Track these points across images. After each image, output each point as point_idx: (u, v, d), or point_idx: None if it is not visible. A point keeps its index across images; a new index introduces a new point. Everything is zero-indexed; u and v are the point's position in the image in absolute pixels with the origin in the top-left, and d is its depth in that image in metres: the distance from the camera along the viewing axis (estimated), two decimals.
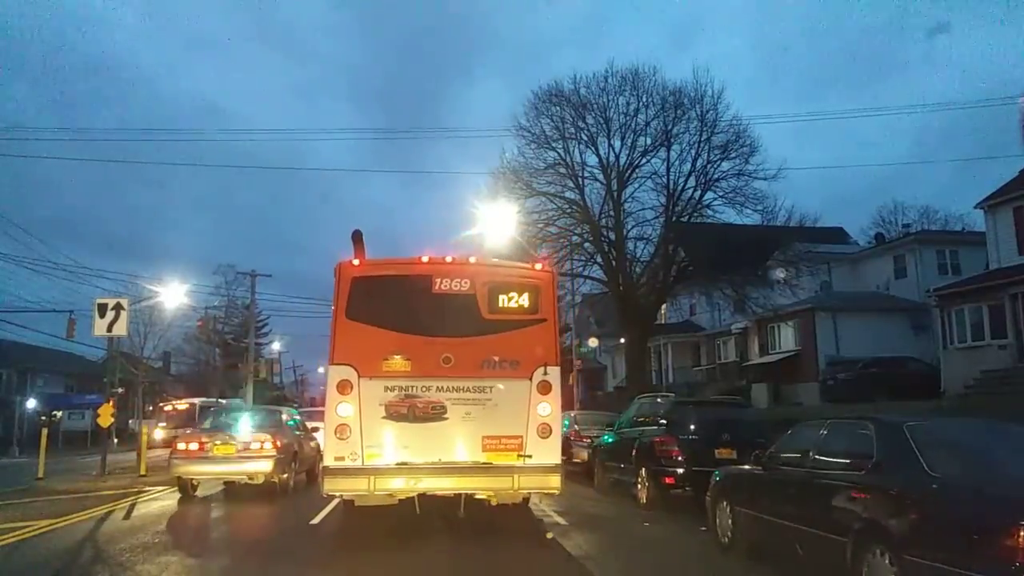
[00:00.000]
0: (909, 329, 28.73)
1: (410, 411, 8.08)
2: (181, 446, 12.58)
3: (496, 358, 8.25)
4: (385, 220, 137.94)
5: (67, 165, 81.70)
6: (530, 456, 8.09)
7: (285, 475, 13.00)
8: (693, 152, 25.64)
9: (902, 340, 27.81)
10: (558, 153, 26.18)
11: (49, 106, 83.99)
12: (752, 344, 33.75)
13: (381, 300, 8.34)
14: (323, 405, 9.09)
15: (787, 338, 31.04)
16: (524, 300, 8.47)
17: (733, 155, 25.31)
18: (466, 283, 8.43)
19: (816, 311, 29.17)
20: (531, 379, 8.24)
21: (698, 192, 25.86)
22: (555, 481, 8.22)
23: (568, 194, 26.59)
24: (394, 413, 8.05)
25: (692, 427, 11.27)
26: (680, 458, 10.87)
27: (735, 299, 27.05)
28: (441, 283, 8.40)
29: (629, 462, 12.24)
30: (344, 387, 8.04)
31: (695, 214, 26.04)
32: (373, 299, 8.31)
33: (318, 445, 14.66)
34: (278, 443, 12.64)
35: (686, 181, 25.96)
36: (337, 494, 8.57)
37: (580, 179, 26.46)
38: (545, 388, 8.26)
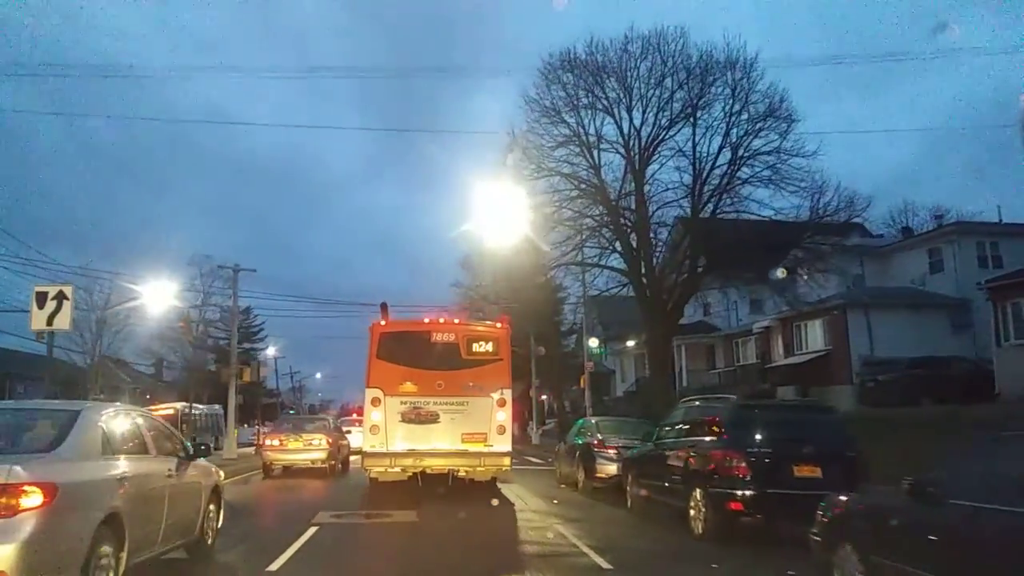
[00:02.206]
0: (948, 326, 26.63)
1: (416, 417, 12.21)
2: (268, 442, 18.69)
3: (471, 384, 12.39)
4: (387, 223, 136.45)
5: (39, 152, 77.01)
6: (491, 445, 12.20)
7: (333, 462, 18.29)
8: (724, 125, 23.02)
9: (941, 338, 25.59)
10: (571, 127, 23.64)
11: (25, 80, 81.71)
12: (775, 344, 31.47)
13: (398, 347, 12.62)
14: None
15: (815, 337, 28.73)
16: (489, 347, 12.80)
17: (769, 128, 22.67)
18: (452, 336, 12.77)
19: (848, 307, 26.87)
20: (492, 397, 12.38)
21: (730, 170, 23.27)
22: (507, 461, 12.46)
23: (583, 173, 24.08)
24: (406, 418, 12.20)
25: (761, 437, 8.91)
26: (748, 477, 8.53)
27: (767, 291, 24.56)
28: (436, 336, 12.77)
29: (677, 481, 9.96)
30: (375, 402, 12.27)
31: (725, 196, 23.48)
32: (393, 346, 12.60)
33: (348, 443, 20.90)
34: (329, 439, 18.14)
35: (716, 158, 23.38)
36: (369, 468, 12.40)
37: (596, 154, 23.91)
38: (501, 403, 12.43)
